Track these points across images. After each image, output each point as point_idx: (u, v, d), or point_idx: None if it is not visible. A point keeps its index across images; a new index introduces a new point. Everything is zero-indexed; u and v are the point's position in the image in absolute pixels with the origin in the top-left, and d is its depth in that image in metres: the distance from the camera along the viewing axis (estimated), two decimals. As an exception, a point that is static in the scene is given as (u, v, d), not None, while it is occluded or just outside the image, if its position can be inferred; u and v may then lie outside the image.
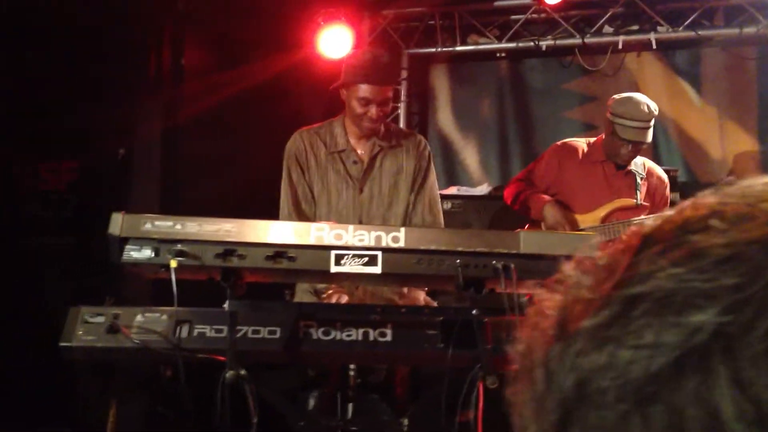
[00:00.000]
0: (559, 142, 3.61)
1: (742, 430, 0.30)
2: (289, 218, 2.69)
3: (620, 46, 4.91)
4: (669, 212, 0.39)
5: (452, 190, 4.80)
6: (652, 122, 3.25)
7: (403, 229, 1.88)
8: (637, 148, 3.29)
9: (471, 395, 1.91)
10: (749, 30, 4.70)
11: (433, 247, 1.83)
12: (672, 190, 4.50)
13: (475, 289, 1.85)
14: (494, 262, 1.80)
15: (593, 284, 0.37)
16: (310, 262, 1.88)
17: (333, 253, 1.87)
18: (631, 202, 3.32)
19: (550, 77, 5.32)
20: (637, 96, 3.34)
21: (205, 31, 4.70)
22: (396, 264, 1.86)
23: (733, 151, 4.91)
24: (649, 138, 3.28)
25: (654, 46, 4.90)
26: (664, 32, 4.85)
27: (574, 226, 3.30)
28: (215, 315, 2.11)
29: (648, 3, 4.83)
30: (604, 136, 3.39)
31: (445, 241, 1.86)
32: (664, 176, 3.48)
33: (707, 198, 0.38)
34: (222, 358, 1.99)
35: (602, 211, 3.33)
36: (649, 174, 3.41)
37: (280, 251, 1.88)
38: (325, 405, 2.20)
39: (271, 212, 2.84)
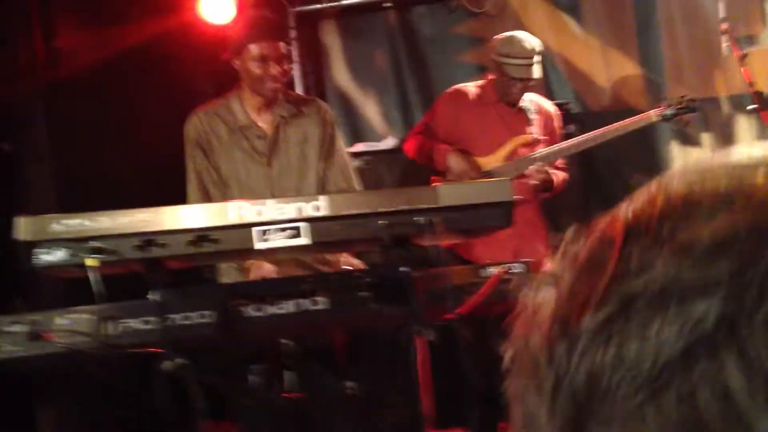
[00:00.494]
0: (449, 90, 3.66)
1: (753, 405, 0.31)
2: (199, 205, 2.64)
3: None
4: (639, 198, 0.40)
5: (359, 147, 4.80)
6: (537, 58, 3.33)
7: (323, 197, 1.89)
8: (527, 85, 3.37)
9: (408, 350, 1.97)
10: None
11: (355, 211, 1.85)
12: (567, 122, 4.69)
13: (401, 247, 1.89)
14: (416, 218, 1.84)
15: (582, 279, 0.38)
16: (234, 242, 1.87)
17: (256, 230, 1.86)
18: (528, 138, 3.43)
19: (439, 23, 5.36)
20: (519, 34, 3.42)
21: (77, 8, 4.46)
22: (321, 232, 1.87)
23: (618, 77, 5.11)
24: (536, 74, 3.37)
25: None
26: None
27: (479, 170, 3.39)
28: (141, 306, 2.07)
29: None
30: (492, 78, 3.46)
31: (366, 203, 1.89)
32: (552, 108, 3.61)
33: (673, 183, 0.39)
34: (156, 349, 1.96)
35: (504, 151, 3.43)
36: (539, 108, 3.52)
37: (201, 235, 1.85)
38: (266, 378, 2.21)
39: (179, 192, 2.77)
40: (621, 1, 5.11)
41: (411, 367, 1.95)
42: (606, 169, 4.95)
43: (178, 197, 2.70)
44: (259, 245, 1.84)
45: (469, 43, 5.37)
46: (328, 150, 2.76)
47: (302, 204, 1.84)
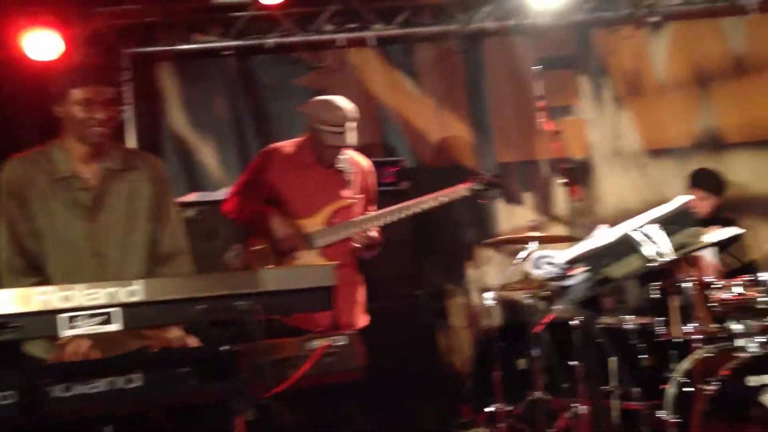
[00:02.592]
0: (265, 148, 3.62)
1: None
2: (10, 262, 2.45)
3: (341, 43, 5.14)
4: None
5: (193, 197, 4.68)
6: (350, 125, 3.36)
7: (139, 282, 1.82)
8: (340, 150, 3.41)
9: (228, 428, 1.92)
10: (454, 26, 5.18)
11: (172, 296, 1.80)
12: (402, 178, 4.85)
13: (221, 326, 1.86)
14: (236, 303, 1.82)
15: None
16: (39, 329, 1.74)
17: (62, 317, 1.75)
18: (347, 201, 3.46)
19: (280, 73, 5.38)
20: (334, 100, 3.42)
21: None
22: (135, 318, 1.80)
23: (450, 136, 5.37)
24: (349, 140, 3.36)
25: (371, 43, 5.19)
26: (379, 29, 5.15)
27: (300, 233, 3.38)
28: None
29: (363, 1, 5.09)
30: (309, 138, 3.46)
31: (185, 288, 1.84)
32: (367, 164, 3.62)
33: None
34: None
35: (324, 214, 3.43)
36: (356, 166, 3.55)
37: (2, 322, 1.71)
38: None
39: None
40: (454, 66, 5.39)
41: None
42: (436, 225, 5.16)
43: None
44: (65, 332, 1.73)
45: (310, 95, 5.39)
46: (159, 209, 2.63)
47: (116, 289, 1.77)
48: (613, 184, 5.34)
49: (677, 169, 5.12)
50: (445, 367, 5.07)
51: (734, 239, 4.26)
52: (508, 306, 4.92)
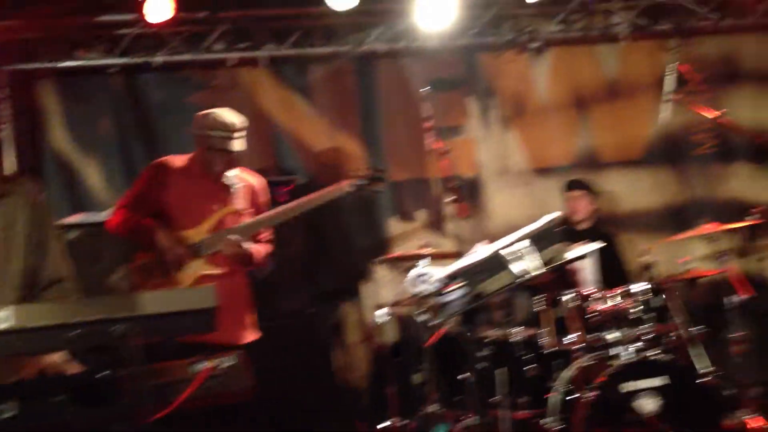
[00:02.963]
0: (155, 162, 3.61)
1: None
2: None
3: (232, 62, 5.12)
4: None
5: (77, 218, 4.52)
6: (238, 134, 3.41)
7: (8, 309, 1.75)
8: (229, 158, 3.43)
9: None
10: (345, 48, 5.26)
11: (45, 323, 1.74)
12: (296, 197, 4.84)
13: (100, 353, 1.81)
14: (113, 328, 1.78)
15: None
16: None
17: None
18: (232, 209, 3.48)
19: (169, 92, 5.28)
20: (220, 110, 3.48)
21: None
22: (5, 346, 1.73)
23: (344, 156, 5.43)
24: (236, 147, 3.40)
25: (263, 62, 5.19)
26: (272, 49, 5.17)
27: (184, 244, 3.37)
28: None
29: (254, 21, 5.09)
30: (197, 151, 3.49)
31: (62, 314, 1.78)
32: (257, 182, 3.66)
33: None
34: None
35: (208, 223, 3.44)
36: (244, 183, 3.58)
37: None
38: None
39: None
40: (347, 86, 5.47)
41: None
42: (330, 242, 5.19)
43: None
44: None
45: (201, 114, 5.37)
46: (37, 236, 2.53)
47: (-16, 316, 1.70)
48: (501, 201, 5.55)
49: (560, 186, 5.37)
50: (341, 385, 5.09)
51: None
52: (402, 322, 5.00)
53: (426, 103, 4.09)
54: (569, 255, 1.77)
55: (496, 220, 5.50)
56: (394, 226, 5.44)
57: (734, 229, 3.92)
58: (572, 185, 4.98)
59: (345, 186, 3.60)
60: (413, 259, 4.31)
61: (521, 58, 5.54)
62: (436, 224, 5.42)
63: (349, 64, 5.40)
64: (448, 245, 5.20)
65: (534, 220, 5.41)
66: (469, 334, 3.90)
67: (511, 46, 5.47)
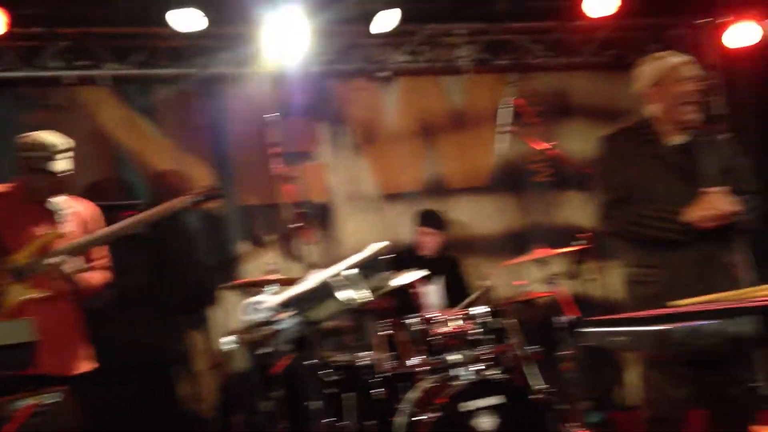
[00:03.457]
0: None
1: None
2: None
3: (70, 80, 4.89)
4: None
5: None
6: (62, 155, 3.31)
7: None
8: (53, 179, 3.32)
9: None
10: (192, 70, 5.17)
11: None
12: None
13: None
14: None
15: None
16: None
17: None
18: (58, 233, 3.36)
19: (4, 109, 4.97)
20: (41, 132, 3.41)
21: None
22: None
23: (192, 179, 5.30)
24: (59, 167, 3.30)
25: (104, 82, 5.00)
26: (114, 68, 4.99)
27: (5, 268, 3.22)
28: None
29: (95, 39, 4.90)
30: (21, 175, 3.37)
31: None
32: (86, 209, 3.56)
33: None
34: None
35: (32, 247, 3.31)
36: (72, 209, 3.48)
37: None
38: None
39: None
40: (194, 109, 5.36)
41: None
42: (177, 268, 5.04)
43: None
44: None
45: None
46: None
47: None
48: (352, 226, 5.62)
49: (409, 211, 5.52)
50: (187, 414, 4.93)
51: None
52: (250, 349, 4.93)
53: (272, 129, 4.09)
54: (395, 282, 1.84)
55: (347, 245, 5.56)
56: (244, 251, 5.37)
57: (563, 253, 4.19)
58: (425, 221, 5.09)
59: (182, 201, 3.53)
60: (261, 285, 4.29)
61: (371, 86, 5.67)
62: (286, 249, 5.40)
63: (197, 86, 5.31)
64: (297, 271, 5.20)
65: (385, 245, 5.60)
66: (307, 361, 3.91)
67: (360, 74, 5.59)
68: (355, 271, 1.82)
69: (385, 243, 1.82)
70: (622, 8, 5.30)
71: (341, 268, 1.84)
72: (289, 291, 1.95)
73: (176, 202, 3.52)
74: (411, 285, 4.16)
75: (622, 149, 2.95)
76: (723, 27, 5.65)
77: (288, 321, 1.94)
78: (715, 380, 2.77)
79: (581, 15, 5.38)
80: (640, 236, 2.86)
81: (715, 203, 2.72)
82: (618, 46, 5.78)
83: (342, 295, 1.82)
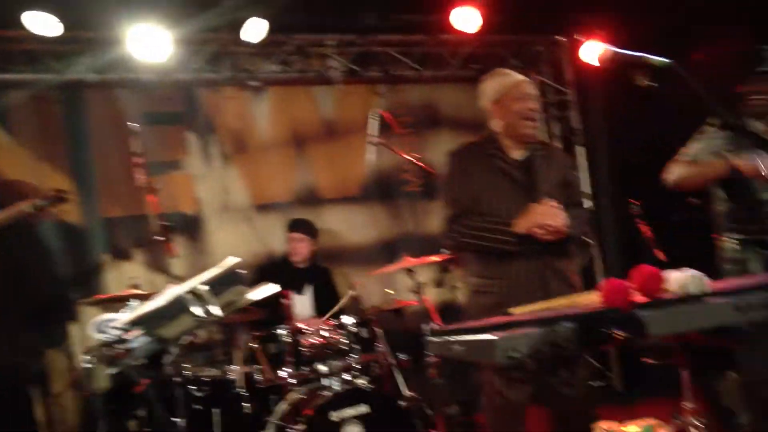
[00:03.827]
0: None
1: None
2: None
3: None
4: None
5: None
6: None
7: None
8: None
9: None
10: (49, 75, 4.93)
11: None
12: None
13: None
14: None
15: None
16: None
17: None
18: None
19: None
20: None
21: None
22: None
23: (48, 189, 5.04)
24: None
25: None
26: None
27: None
28: None
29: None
30: None
31: None
32: None
33: None
34: None
35: None
36: None
37: None
38: None
39: None
40: (51, 116, 5.11)
41: None
42: (33, 282, 4.78)
43: None
44: None
45: None
46: None
47: None
48: (223, 238, 5.52)
49: (281, 221, 5.49)
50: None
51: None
52: (109, 367, 4.73)
53: (136, 138, 3.96)
54: (252, 296, 1.84)
55: (217, 257, 5.45)
56: (108, 264, 5.16)
57: (430, 262, 4.30)
58: (295, 227, 5.10)
59: (23, 206, 3.36)
60: (124, 300, 4.13)
61: (241, 95, 5.61)
62: (152, 263, 5.24)
63: (55, 92, 5.06)
64: (162, 285, 5.05)
65: (257, 256, 5.54)
66: (170, 378, 3.83)
67: (230, 83, 5.52)
68: (207, 286, 1.80)
69: (239, 259, 1.81)
70: (486, 24, 5.52)
71: (194, 283, 1.81)
72: (139, 308, 1.90)
73: (18, 207, 3.34)
74: (280, 296, 4.14)
75: (466, 164, 3.04)
76: (579, 45, 6.00)
77: (139, 339, 1.89)
78: (552, 382, 2.93)
79: (448, 29, 5.56)
80: (479, 248, 2.96)
81: (542, 215, 2.86)
82: (482, 61, 6.01)
83: (194, 311, 1.79)
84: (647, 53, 2.14)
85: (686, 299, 1.51)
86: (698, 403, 2.81)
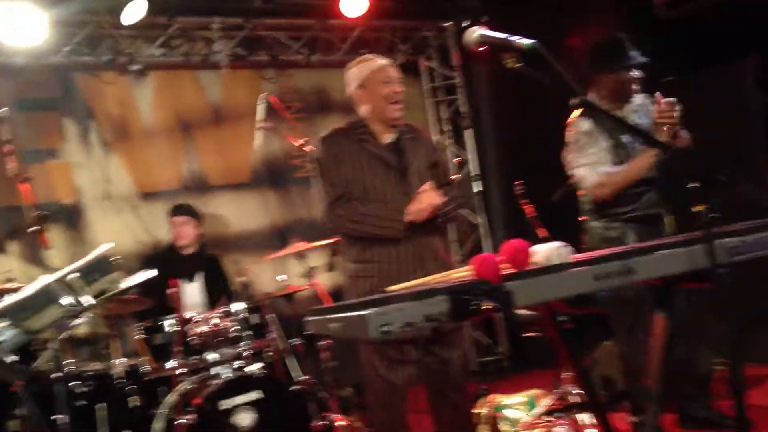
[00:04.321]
0: None
1: None
2: None
3: None
4: None
5: None
6: None
7: None
8: None
9: None
10: None
11: None
12: None
13: None
14: None
15: None
16: None
17: None
18: None
19: None
20: None
21: None
22: None
23: None
24: None
25: None
26: None
27: None
28: None
29: None
30: None
31: None
32: None
33: None
34: None
35: None
36: None
37: None
38: None
39: None
40: None
41: None
42: None
43: None
44: None
45: None
46: None
47: None
48: (106, 227, 5.32)
49: (167, 210, 5.34)
50: None
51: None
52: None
53: (4, 126, 3.74)
54: (124, 284, 1.77)
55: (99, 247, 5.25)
56: (-22, 258, 4.87)
57: (320, 246, 4.30)
58: (176, 211, 4.98)
59: None
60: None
61: (122, 80, 5.40)
62: (28, 255, 4.99)
63: None
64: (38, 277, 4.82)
65: (143, 245, 5.37)
66: (50, 373, 3.68)
67: (109, 67, 5.30)
68: (77, 275, 1.73)
69: (111, 245, 1.74)
70: (375, 10, 5.55)
71: (63, 273, 1.74)
72: (5, 300, 1.81)
73: None
74: (168, 285, 4.03)
75: (336, 149, 3.05)
76: (465, 30, 6.13)
77: (6, 332, 1.80)
78: (429, 361, 3.00)
79: (337, 14, 5.55)
80: (361, 234, 2.99)
81: (428, 198, 2.92)
82: (371, 46, 6.04)
83: (63, 301, 1.72)
84: (527, 37, 2.18)
85: (549, 270, 1.58)
86: (575, 372, 2.95)
